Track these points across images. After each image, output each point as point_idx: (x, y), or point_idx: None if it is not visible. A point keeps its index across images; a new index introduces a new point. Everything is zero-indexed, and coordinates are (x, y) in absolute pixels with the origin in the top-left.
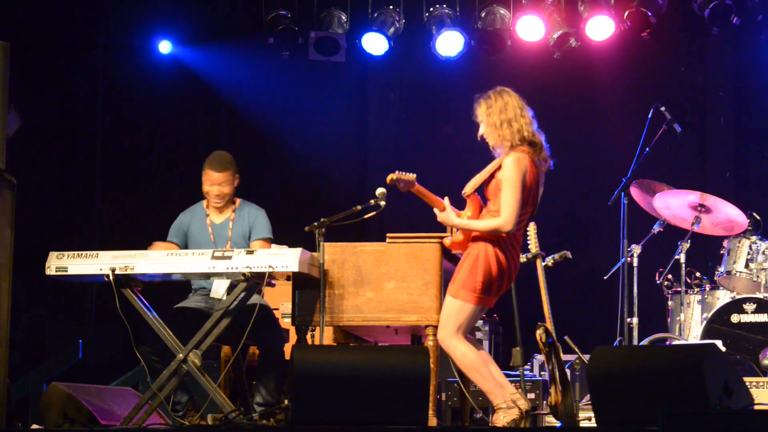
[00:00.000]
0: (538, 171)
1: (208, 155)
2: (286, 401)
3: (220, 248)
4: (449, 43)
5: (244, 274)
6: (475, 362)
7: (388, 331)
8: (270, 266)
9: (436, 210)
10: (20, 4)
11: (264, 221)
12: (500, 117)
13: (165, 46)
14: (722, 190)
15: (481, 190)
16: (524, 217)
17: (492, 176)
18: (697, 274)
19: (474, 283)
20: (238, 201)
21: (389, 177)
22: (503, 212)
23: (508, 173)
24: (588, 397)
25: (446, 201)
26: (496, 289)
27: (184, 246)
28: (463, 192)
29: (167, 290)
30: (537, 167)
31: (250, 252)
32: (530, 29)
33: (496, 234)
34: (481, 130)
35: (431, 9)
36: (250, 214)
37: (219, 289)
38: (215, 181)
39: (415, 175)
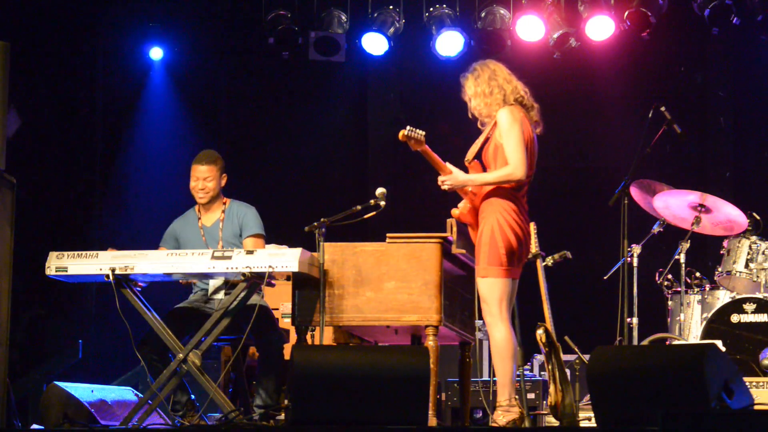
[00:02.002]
0: (532, 131)
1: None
2: (286, 401)
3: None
4: (449, 43)
5: (243, 274)
6: (508, 353)
7: (388, 331)
8: (270, 266)
9: (442, 178)
10: (20, 5)
11: (253, 218)
12: (490, 84)
13: (157, 53)
14: (722, 190)
15: (480, 159)
16: (523, 181)
17: (488, 140)
18: (697, 274)
19: (498, 257)
20: (228, 201)
21: (401, 133)
22: (511, 159)
23: (505, 123)
24: (588, 397)
25: (449, 165)
26: (517, 258)
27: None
28: (465, 159)
29: (167, 290)
30: (531, 126)
31: (250, 252)
32: (530, 29)
33: (505, 193)
34: (472, 104)
35: (431, 9)
36: (239, 213)
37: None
38: (199, 176)
39: (424, 133)
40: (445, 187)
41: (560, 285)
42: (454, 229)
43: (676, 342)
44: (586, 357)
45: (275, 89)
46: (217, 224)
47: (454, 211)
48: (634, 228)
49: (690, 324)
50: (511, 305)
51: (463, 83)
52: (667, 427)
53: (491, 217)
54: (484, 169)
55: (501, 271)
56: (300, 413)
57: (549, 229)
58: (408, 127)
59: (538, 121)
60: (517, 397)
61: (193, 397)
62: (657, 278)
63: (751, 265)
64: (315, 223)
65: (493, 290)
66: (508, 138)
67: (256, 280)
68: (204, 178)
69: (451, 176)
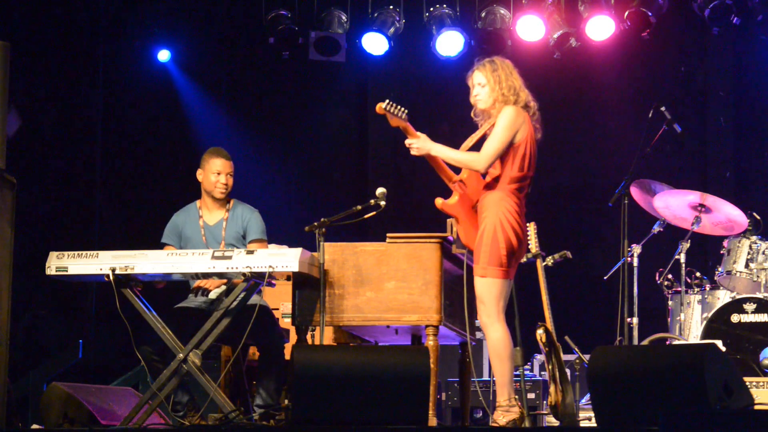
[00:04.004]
0: (534, 134)
1: (207, 151)
2: (286, 401)
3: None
4: (449, 43)
5: (244, 274)
6: (505, 352)
7: (388, 331)
8: (270, 266)
9: (410, 140)
10: (20, 5)
11: (258, 222)
12: (507, 82)
13: (164, 55)
14: (722, 190)
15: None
16: (525, 183)
17: (485, 136)
18: (697, 274)
19: (499, 258)
20: (231, 201)
21: (379, 105)
22: (483, 150)
23: (503, 120)
24: (588, 397)
25: (420, 133)
26: (516, 259)
27: (180, 248)
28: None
29: (167, 290)
30: (533, 129)
31: (250, 252)
32: (530, 29)
33: (509, 193)
34: (477, 91)
35: (431, 9)
36: (244, 216)
37: (212, 294)
38: (222, 170)
39: (407, 111)
40: (413, 150)
41: (560, 285)
42: (455, 229)
43: (676, 342)
44: (586, 357)
45: (275, 89)
46: (221, 224)
47: (438, 201)
48: (634, 228)
49: (690, 324)
50: (505, 305)
51: (475, 68)
52: (667, 427)
53: (494, 216)
54: None
55: (500, 271)
56: (300, 413)
57: (549, 229)
58: (387, 101)
59: (538, 128)
60: (517, 397)
61: (193, 397)
62: (657, 278)
63: (752, 265)
64: (315, 223)
65: (491, 290)
66: (496, 131)
67: (256, 280)
68: (227, 172)
69: (419, 140)
